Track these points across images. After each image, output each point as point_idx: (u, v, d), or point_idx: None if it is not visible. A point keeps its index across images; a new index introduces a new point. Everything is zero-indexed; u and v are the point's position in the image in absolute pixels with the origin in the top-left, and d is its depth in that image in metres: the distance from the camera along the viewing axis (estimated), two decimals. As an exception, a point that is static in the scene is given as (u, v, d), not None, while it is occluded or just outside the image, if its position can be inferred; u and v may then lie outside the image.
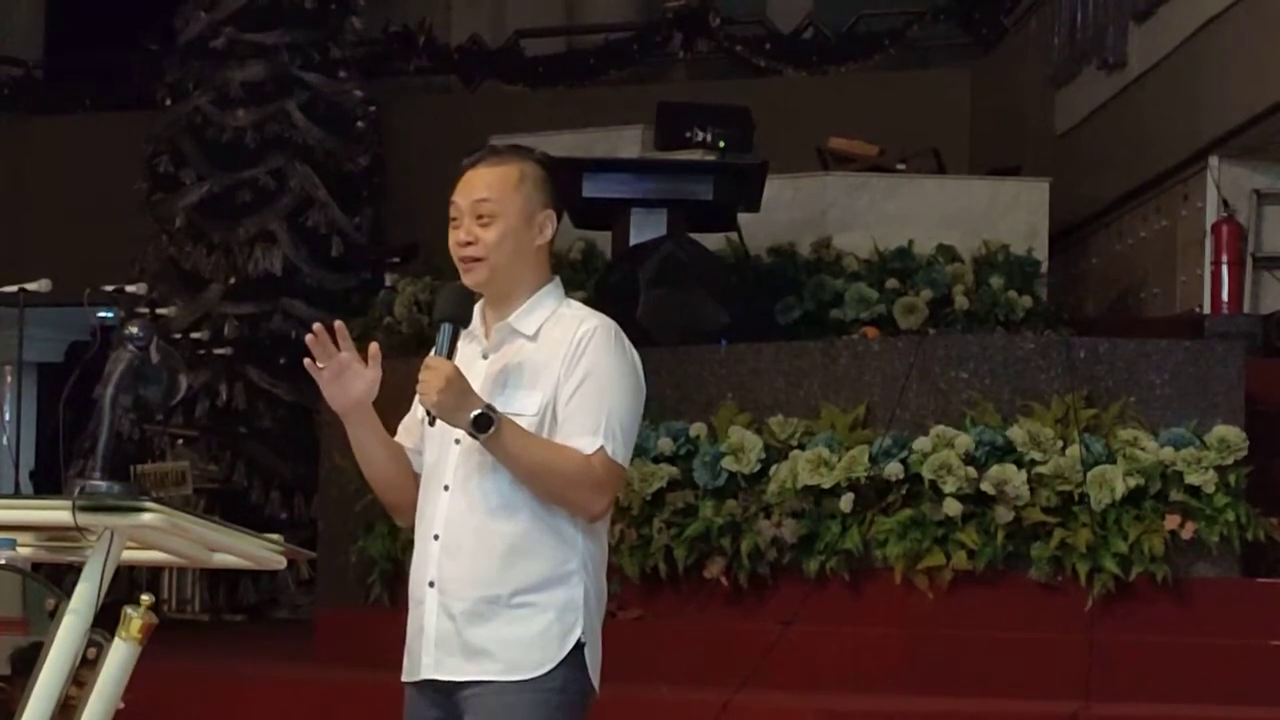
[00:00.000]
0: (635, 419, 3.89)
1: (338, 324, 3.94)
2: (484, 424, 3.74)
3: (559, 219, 3.97)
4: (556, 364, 3.84)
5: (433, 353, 3.83)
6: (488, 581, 3.80)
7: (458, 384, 3.75)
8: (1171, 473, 7.46)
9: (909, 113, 14.31)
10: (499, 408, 3.77)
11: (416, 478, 3.97)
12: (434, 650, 3.83)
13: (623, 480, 3.99)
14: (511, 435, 3.77)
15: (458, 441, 3.84)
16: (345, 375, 3.89)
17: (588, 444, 3.80)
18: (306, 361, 3.92)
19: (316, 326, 3.91)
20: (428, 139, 15.27)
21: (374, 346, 3.93)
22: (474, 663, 3.80)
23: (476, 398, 3.76)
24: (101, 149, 16.26)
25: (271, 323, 14.28)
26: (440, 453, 3.88)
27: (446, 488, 3.85)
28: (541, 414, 3.82)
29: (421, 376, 3.78)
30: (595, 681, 3.88)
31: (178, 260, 14.49)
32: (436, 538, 3.85)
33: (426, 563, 3.86)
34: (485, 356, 3.89)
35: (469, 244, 3.88)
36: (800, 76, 15.95)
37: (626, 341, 3.91)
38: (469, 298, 3.89)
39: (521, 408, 3.81)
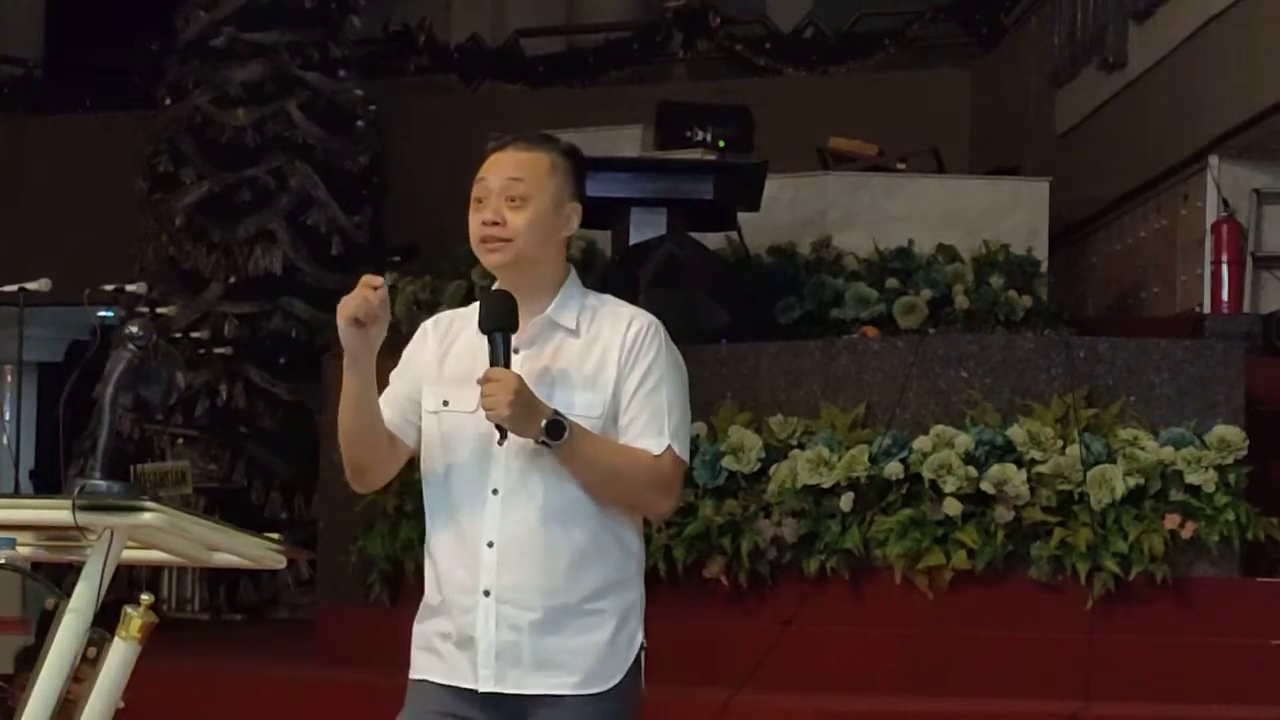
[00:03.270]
0: (689, 416, 3.84)
1: (384, 291, 3.74)
2: (557, 432, 3.63)
3: (582, 213, 3.87)
4: (612, 363, 3.75)
5: (490, 364, 3.66)
6: (558, 590, 3.69)
7: (525, 394, 3.62)
8: (1171, 472, 7.46)
9: (909, 113, 14.31)
10: (554, 407, 3.67)
11: (392, 443, 3.81)
12: (494, 663, 3.69)
13: (683, 479, 3.91)
14: (583, 440, 3.67)
15: (500, 443, 3.70)
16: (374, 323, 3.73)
17: (655, 445, 3.73)
18: (352, 307, 3.69)
19: (382, 291, 3.69)
20: (428, 139, 15.28)
21: (383, 291, 3.74)
22: (545, 675, 3.70)
23: (544, 405, 3.65)
24: (101, 149, 16.27)
25: (271, 322, 14.28)
26: (477, 455, 3.74)
27: (495, 491, 3.71)
28: (604, 415, 3.73)
29: (486, 390, 3.63)
30: (643, 681, 3.83)
31: (178, 260, 14.48)
32: (491, 545, 3.70)
33: (477, 570, 3.70)
34: (517, 350, 3.74)
35: (496, 224, 3.76)
36: (800, 76, 15.95)
37: (670, 339, 3.85)
38: (514, 302, 3.72)
39: (586, 408, 3.71)
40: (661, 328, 3.83)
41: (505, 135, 3.88)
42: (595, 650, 3.72)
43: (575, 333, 3.79)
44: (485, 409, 3.64)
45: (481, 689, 3.71)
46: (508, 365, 3.67)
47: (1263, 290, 10.75)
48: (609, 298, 3.88)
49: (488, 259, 3.81)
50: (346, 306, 3.70)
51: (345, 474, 3.90)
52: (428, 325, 3.96)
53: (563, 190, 3.81)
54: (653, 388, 3.76)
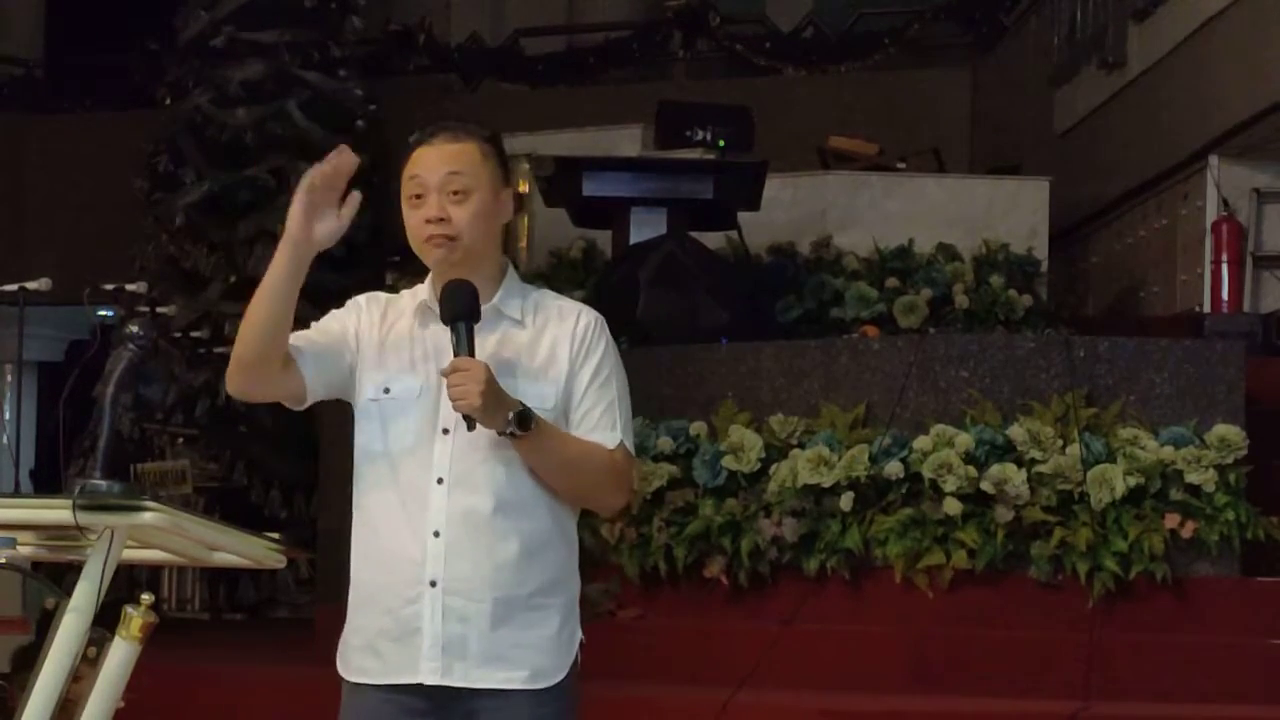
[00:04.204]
0: (630, 409, 3.82)
1: (351, 156, 3.70)
2: (526, 422, 3.60)
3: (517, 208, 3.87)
4: (562, 354, 3.73)
5: (454, 353, 3.64)
6: (506, 582, 3.65)
7: (494, 384, 3.58)
8: (1171, 472, 7.46)
9: (909, 112, 14.32)
10: None
11: (286, 364, 3.72)
12: (441, 655, 3.63)
13: (633, 474, 3.91)
14: (546, 432, 3.64)
15: (446, 431, 3.67)
16: (323, 208, 3.73)
17: (609, 439, 3.72)
18: (308, 176, 3.69)
19: (343, 158, 3.66)
20: (428, 138, 15.26)
21: (355, 194, 3.72)
22: (492, 669, 3.65)
23: (510, 396, 3.61)
24: (101, 149, 16.26)
25: (272, 322, 14.27)
26: (419, 441, 3.69)
27: (440, 480, 3.66)
28: (556, 407, 3.70)
29: (453, 380, 3.58)
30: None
31: (177, 259, 14.48)
32: (437, 534, 3.64)
33: (422, 560, 3.64)
34: None
35: (441, 219, 3.70)
36: (800, 76, 15.94)
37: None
38: (475, 292, 3.68)
39: (536, 401, 3.66)
40: (604, 322, 3.81)
41: (427, 128, 3.81)
42: (542, 645, 3.69)
43: (521, 323, 3.76)
44: (454, 399, 3.59)
45: (427, 682, 3.66)
46: (472, 354, 3.63)
47: (1263, 290, 10.75)
48: (547, 291, 3.86)
49: (433, 256, 3.76)
50: (309, 173, 3.68)
51: (228, 369, 3.81)
52: (360, 300, 3.90)
53: (497, 177, 3.77)
54: (603, 382, 3.75)
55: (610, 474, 3.74)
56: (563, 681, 3.72)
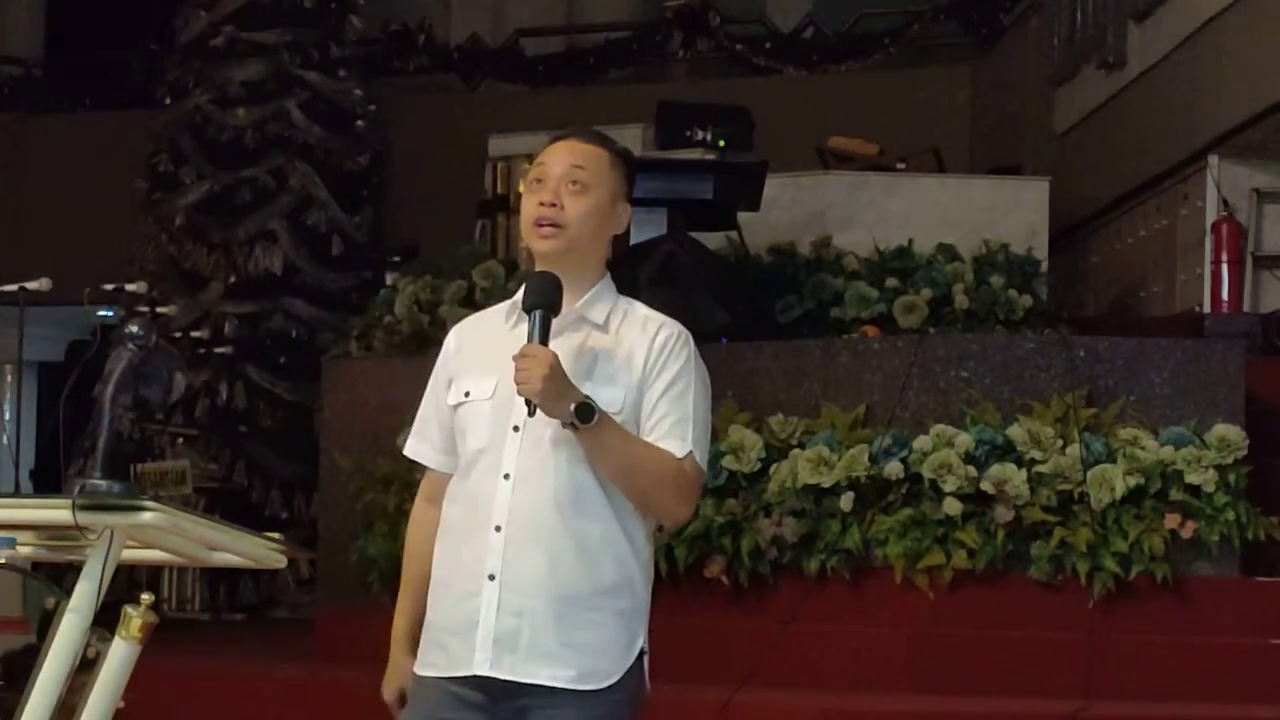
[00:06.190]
0: (710, 429, 3.84)
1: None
2: (587, 415, 3.61)
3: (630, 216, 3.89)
4: (639, 363, 3.74)
5: (527, 340, 3.66)
6: (563, 581, 3.67)
7: (559, 372, 3.60)
8: (1171, 472, 7.47)
9: (909, 112, 14.31)
10: None
11: (442, 480, 3.86)
12: (491, 647, 3.66)
13: (701, 489, 3.89)
14: (610, 429, 3.65)
15: (517, 429, 3.70)
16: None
17: (679, 448, 3.72)
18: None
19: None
20: (428, 139, 15.28)
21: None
22: (540, 665, 3.67)
23: (575, 388, 3.63)
24: (101, 149, 16.26)
25: (272, 322, 14.29)
26: (493, 438, 3.73)
27: (507, 476, 3.70)
28: (624, 411, 3.72)
29: (520, 365, 3.60)
30: (648, 684, 3.81)
31: (177, 259, 14.49)
32: (499, 529, 3.68)
33: (484, 554, 3.68)
34: None
35: (554, 205, 3.75)
36: (800, 76, 15.94)
37: (699, 353, 3.85)
38: (559, 285, 3.72)
39: (606, 402, 3.67)
40: (691, 339, 3.83)
41: (568, 128, 3.90)
42: (593, 647, 3.69)
43: (604, 329, 3.79)
44: (518, 383, 3.62)
45: (477, 672, 3.68)
46: (545, 343, 3.65)
47: (1263, 290, 10.74)
48: (642, 305, 3.88)
49: (539, 244, 3.80)
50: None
51: None
52: (448, 340, 3.96)
53: (619, 187, 3.84)
54: (680, 393, 3.75)
55: (675, 482, 3.73)
56: (614, 685, 3.70)
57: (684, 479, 3.73)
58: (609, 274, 3.88)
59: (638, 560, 3.76)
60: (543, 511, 3.68)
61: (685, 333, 3.82)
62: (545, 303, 3.69)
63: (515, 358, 3.64)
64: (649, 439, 3.73)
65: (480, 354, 3.83)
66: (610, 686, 3.70)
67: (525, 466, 3.70)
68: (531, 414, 3.64)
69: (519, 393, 3.63)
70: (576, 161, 3.79)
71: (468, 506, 3.75)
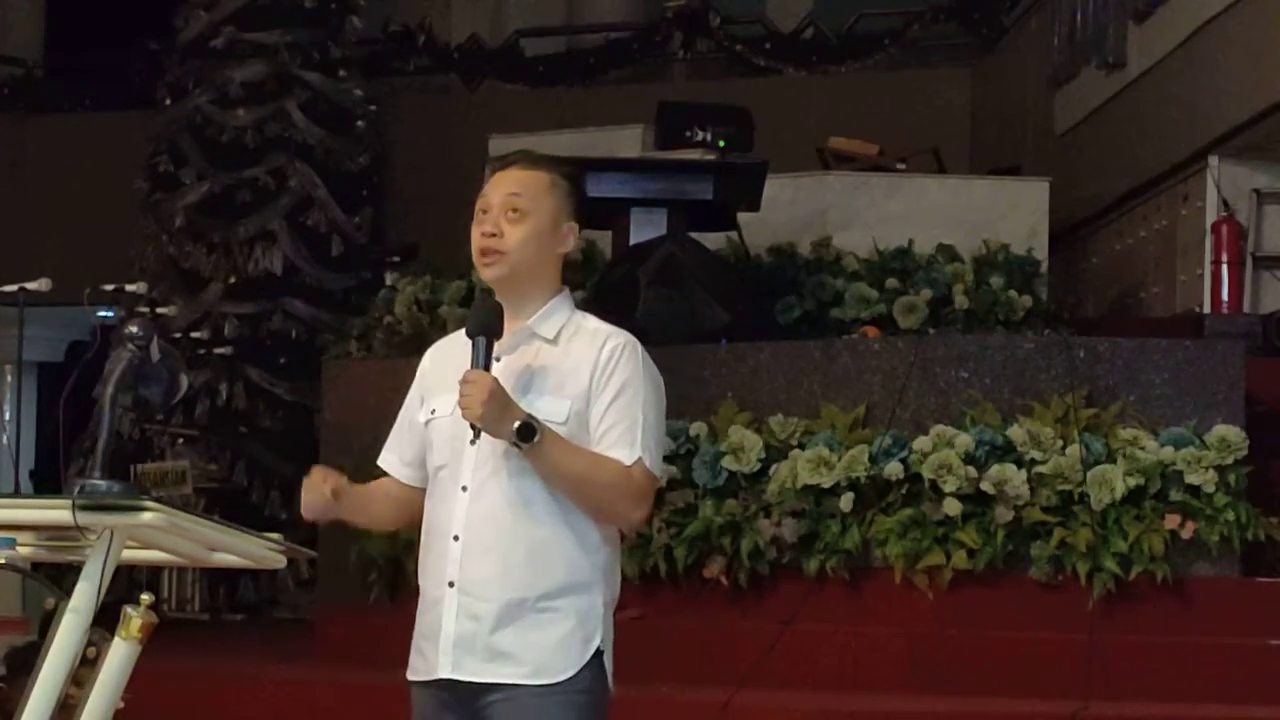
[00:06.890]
0: (663, 434, 3.97)
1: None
2: (527, 434, 3.75)
3: (578, 233, 4.02)
4: (585, 374, 3.86)
5: (471, 366, 3.82)
6: (514, 584, 3.81)
7: (500, 396, 3.76)
8: (1171, 472, 7.46)
9: (909, 113, 14.31)
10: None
11: (417, 491, 4.01)
12: (452, 650, 3.83)
13: (654, 493, 4.01)
14: (554, 444, 3.79)
15: (473, 443, 3.84)
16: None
17: (627, 455, 3.84)
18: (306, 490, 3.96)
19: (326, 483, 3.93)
20: (428, 139, 15.27)
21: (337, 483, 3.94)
22: (496, 665, 3.81)
23: (518, 408, 3.78)
24: (101, 149, 16.26)
25: (272, 322, 14.29)
26: (453, 454, 3.89)
27: (464, 488, 3.86)
28: (569, 422, 3.84)
29: (462, 390, 3.78)
30: (611, 684, 3.91)
31: (177, 260, 14.49)
32: (456, 538, 3.84)
33: (444, 563, 3.86)
34: (498, 358, 3.87)
35: (493, 235, 3.90)
36: (800, 76, 15.94)
37: (649, 358, 3.96)
38: (500, 311, 3.87)
39: (550, 414, 3.82)
40: (639, 347, 3.95)
41: (509, 154, 4.04)
42: (545, 645, 3.82)
43: (554, 343, 3.92)
44: (461, 408, 3.79)
45: (441, 675, 3.84)
46: (487, 368, 3.81)
47: (1263, 290, 10.74)
48: (595, 319, 4.00)
49: (484, 273, 3.97)
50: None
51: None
52: (423, 360, 4.13)
53: (561, 208, 3.96)
54: (628, 401, 3.87)
55: (624, 488, 3.85)
56: (570, 680, 3.82)
57: (632, 485, 3.85)
58: (566, 290, 4.01)
59: (589, 562, 3.87)
60: (494, 519, 3.84)
61: (633, 341, 3.94)
62: (485, 329, 3.85)
63: (460, 382, 3.80)
64: (598, 448, 3.85)
65: (445, 374, 3.96)
66: (566, 680, 3.82)
67: (480, 478, 3.86)
68: (476, 437, 3.81)
69: (463, 417, 3.80)
70: (513, 190, 3.93)
71: (434, 518, 3.93)
